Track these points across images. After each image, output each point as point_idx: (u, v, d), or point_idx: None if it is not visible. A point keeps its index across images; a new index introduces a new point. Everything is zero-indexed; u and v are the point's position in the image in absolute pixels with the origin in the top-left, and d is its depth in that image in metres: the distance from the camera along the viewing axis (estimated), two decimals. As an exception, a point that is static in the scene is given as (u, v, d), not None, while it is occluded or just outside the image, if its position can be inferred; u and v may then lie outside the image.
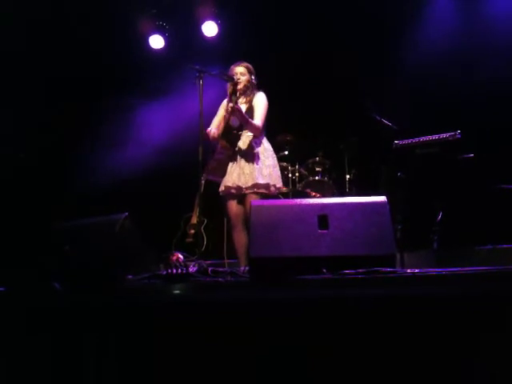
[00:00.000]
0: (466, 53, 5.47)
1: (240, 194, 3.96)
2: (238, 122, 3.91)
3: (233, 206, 4.01)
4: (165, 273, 2.26)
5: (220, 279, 2.21)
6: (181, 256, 3.50)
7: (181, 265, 2.26)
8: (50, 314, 2.18)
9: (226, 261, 4.82)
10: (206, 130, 3.99)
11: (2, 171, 5.43)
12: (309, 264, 2.15)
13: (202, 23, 6.18)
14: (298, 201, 2.37)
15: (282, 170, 4.88)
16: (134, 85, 6.11)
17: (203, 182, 4.34)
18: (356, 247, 2.19)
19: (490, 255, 3.68)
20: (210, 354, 1.99)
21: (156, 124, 5.98)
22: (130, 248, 2.50)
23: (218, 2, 6.12)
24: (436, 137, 3.97)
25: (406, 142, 4.08)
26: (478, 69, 5.26)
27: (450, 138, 3.90)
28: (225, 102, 4.17)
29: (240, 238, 3.97)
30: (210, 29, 6.20)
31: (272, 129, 4.29)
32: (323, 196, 5.43)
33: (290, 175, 5.80)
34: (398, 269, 2.30)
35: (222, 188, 4.03)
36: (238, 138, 3.99)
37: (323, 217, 2.24)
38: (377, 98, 4.84)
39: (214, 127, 4.07)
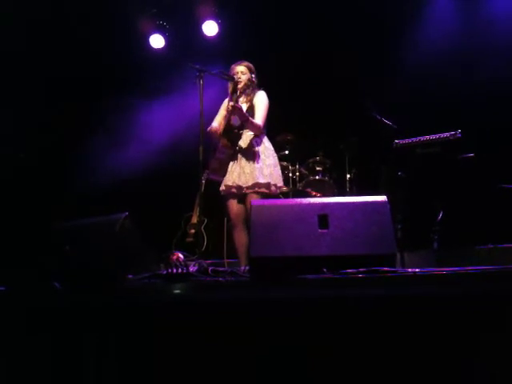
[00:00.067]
0: (466, 53, 5.47)
1: (240, 194, 3.95)
2: (239, 120, 3.90)
3: (233, 205, 4.01)
4: (165, 272, 2.26)
5: (220, 279, 2.20)
6: (181, 256, 3.50)
7: (181, 264, 2.26)
8: (50, 314, 2.18)
9: (226, 260, 4.83)
10: (206, 129, 3.99)
11: (2, 171, 5.43)
12: (309, 263, 2.15)
13: (203, 23, 6.18)
14: (299, 200, 2.37)
15: (283, 169, 4.88)
16: (135, 84, 6.11)
17: (203, 181, 4.35)
18: (356, 247, 2.19)
19: (490, 255, 3.68)
20: (210, 354, 1.99)
21: (156, 124, 5.98)
22: (130, 248, 2.50)
23: (218, 2, 6.13)
24: (436, 136, 3.97)
25: (406, 141, 4.08)
26: (478, 69, 5.26)
27: (451, 138, 3.90)
28: (226, 101, 4.17)
29: (240, 238, 3.96)
30: (210, 28, 6.21)
31: (272, 128, 4.29)
32: (323, 195, 5.43)
33: (290, 175, 5.81)
34: (399, 268, 2.29)
35: (222, 187, 4.02)
36: (239, 137, 3.99)
37: (323, 216, 2.24)
38: (377, 97, 4.83)
39: (216, 125, 4.08)
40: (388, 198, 2.31)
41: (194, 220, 5.59)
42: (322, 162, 5.95)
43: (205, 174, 4.43)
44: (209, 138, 4.05)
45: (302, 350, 1.94)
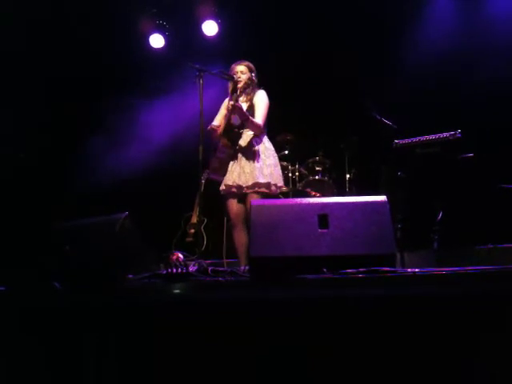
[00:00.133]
0: (466, 53, 5.47)
1: (240, 193, 3.95)
2: (239, 120, 3.90)
3: (233, 205, 4.00)
4: (165, 272, 2.26)
5: (220, 279, 2.21)
6: (181, 255, 3.51)
7: (181, 264, 2.26)
8: (50, 314, 2.18)
9: (226, 260, 4.82)
10: (206, 129, 3.99)
11: (2, 171, 5.43)
12: (309, 263, 2.15)
13: (203, 22, 6.18)
14: (298, 200, 2.37)
15: (282, 169, 4.87)
16: (134, 84, 6.11)
17: (203, 181, 4.35)
18: (356, 247, 2.19)
19: (490, 255, 3.68)
20: (210, 354, 1.99)
21: (156, 123, 5.97)
22: (129, 248, 2.50)
23: (218, 2, 6.13)
24: (436, 136, 3.97)
25: (406, 141, 4.08)
26: (478, 69, 5.26)
27: (451, 138, 3.90)
28: (226, 100, 4.17)
29: (240, 238, 3.96)
30: (210, 28, 6.21)
31: (272, 128, 4.29)
32: (323, 195, 5.43)
33: (290, 175, 5.81)
34: (398, 268, 2.29)
35: (222, 187, 4.02)
36: (239, 136, 3.98)
37: (323, 216, 2.24)
38: (377, 97, 4.84)
39: (216, 124, 4.09)
40: (388, 198, 2.31)
41: (194, 220, 5.59)
42: (322, 161, 5.95)
43: (205, 174, 4.43)
44: (209, 137, 4.05)
45: (302, 350, 1.94)
